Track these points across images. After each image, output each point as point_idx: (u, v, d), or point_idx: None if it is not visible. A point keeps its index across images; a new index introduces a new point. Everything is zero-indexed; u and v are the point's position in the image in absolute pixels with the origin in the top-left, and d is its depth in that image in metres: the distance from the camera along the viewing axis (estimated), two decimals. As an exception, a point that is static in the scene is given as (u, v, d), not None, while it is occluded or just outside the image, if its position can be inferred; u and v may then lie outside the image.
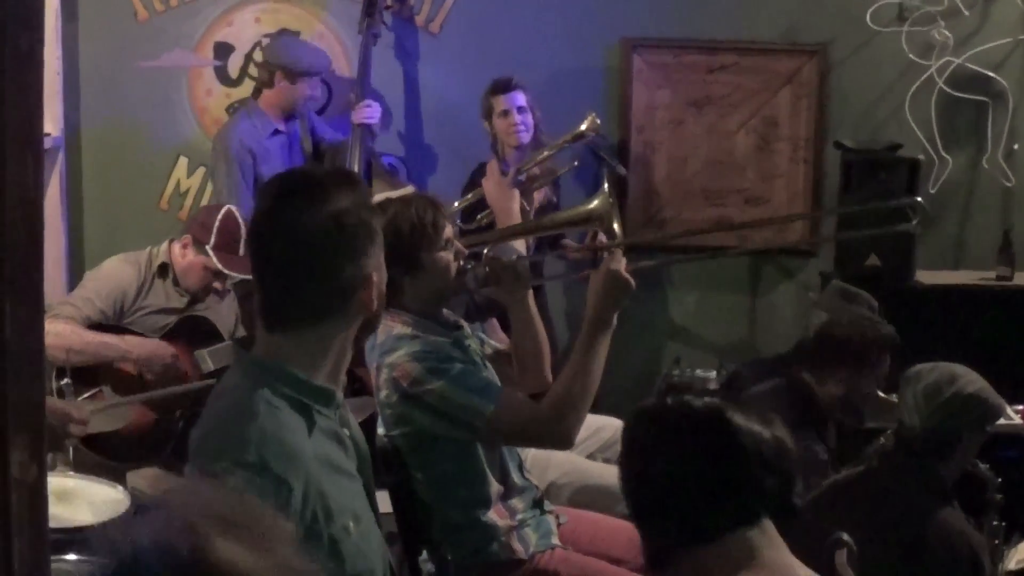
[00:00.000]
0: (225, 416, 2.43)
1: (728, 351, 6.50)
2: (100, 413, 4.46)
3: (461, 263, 3.76)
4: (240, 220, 5.01)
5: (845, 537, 2.37)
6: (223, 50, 6.59)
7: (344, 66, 6.52)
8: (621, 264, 3.55)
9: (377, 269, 2.45)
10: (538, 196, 5.86)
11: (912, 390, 3.59)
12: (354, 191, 2.43)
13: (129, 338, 4.88)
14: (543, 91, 6.09)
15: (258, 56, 6.39)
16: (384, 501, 3.22)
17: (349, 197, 2.40)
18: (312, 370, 2.42)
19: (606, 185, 4.32)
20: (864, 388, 4.33)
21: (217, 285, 5.04)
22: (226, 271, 4.93)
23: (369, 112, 6.07)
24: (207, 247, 4.93)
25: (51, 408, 3.61)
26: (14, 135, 1.80)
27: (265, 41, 6.38)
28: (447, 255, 3.70)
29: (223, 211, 5.02)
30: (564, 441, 3.63)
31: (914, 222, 4.10)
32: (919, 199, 4.52)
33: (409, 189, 5.81)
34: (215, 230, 4.94)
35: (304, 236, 2.36)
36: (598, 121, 5.49)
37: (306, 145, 6.25)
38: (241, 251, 4.94)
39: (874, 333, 4.33)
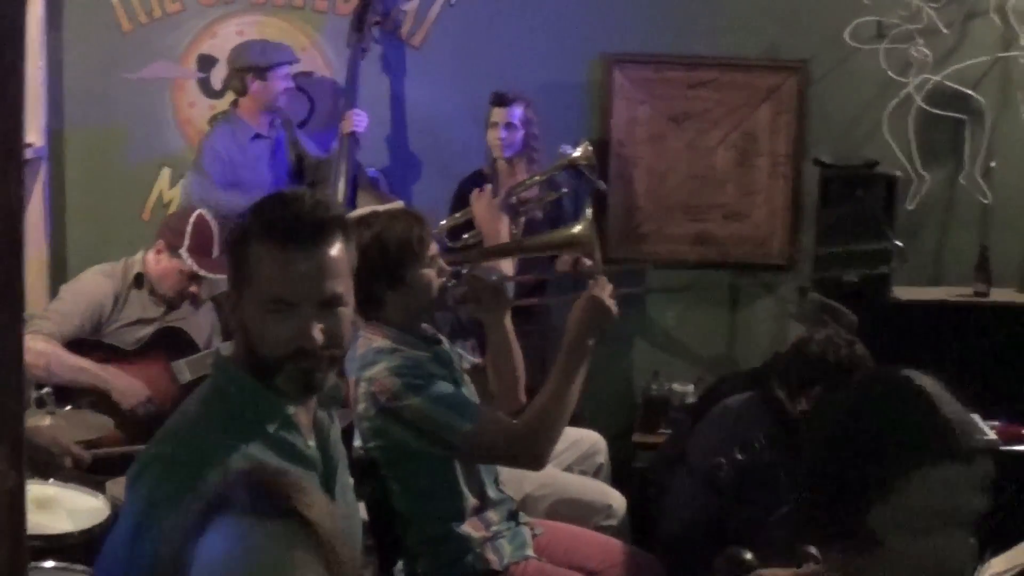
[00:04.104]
0: (173, 417, 2.52)
1: (706, 365, 6.51)
2: (78, 421, 4.47)
3: (444, 280, 3.79)
4: (212, 222, 5.04)
5: (813, 551, 2.39)
6: (207, 62, 6.61)
7: (328, 76, 6.54)
8: (606, 291, 3.58)
9: None
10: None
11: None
12: None
13: (108, 368, 4.89)
14: (530, 109, 6.10)
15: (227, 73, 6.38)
16: (360, 512, 3.24)
17: None
18: None
19: (589, 211, 4.33)
20: None
21: (193, 289, 5.07)
22: (202, 272, 4.96)
23: (357, 120, 6.10)
24: (181, 251, 4.96)
25: (54, 440, 3.63)
26: (-5, 146, 1.82)
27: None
28: (430, 272, 3.72)
29: (194, 215, 5.06)
30: (536, 462, 3.65)
31: (892, 264, 4.12)
32: (900, 244, 4.52)
33: (400, 204, 5.83)
34: (188, 233, 4.97)
35: None
36: (591, 149, 5.48)
37: (293, 153, 6.25)
38: (215, 252, 4.97)
39: (848, 352, 4.33)
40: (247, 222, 2.45)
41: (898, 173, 6.22)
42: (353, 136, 6.09)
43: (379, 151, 6.55)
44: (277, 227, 2.40)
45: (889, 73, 6.34)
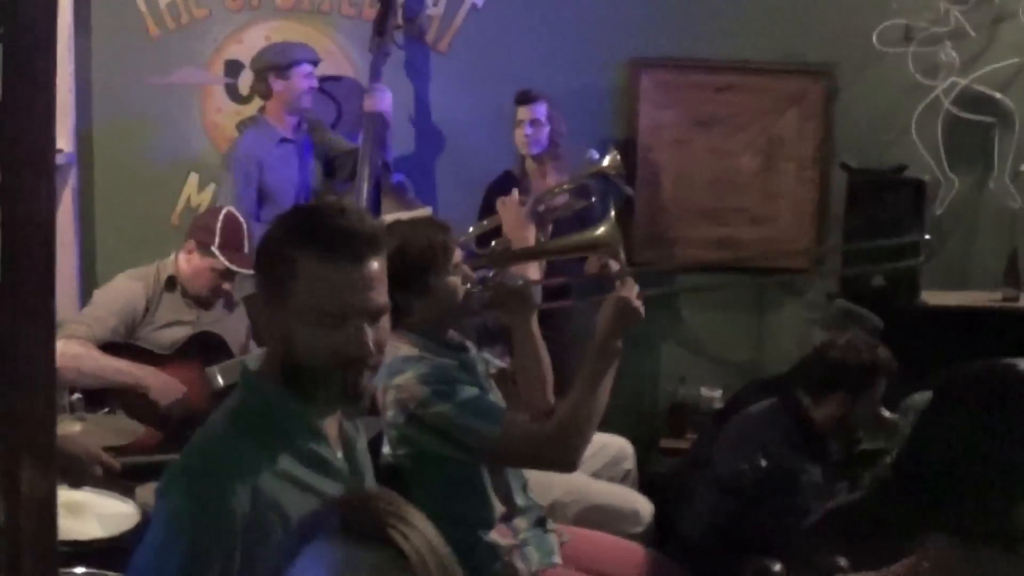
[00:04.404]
0: (201, 430, 2.54)
1: (733, 370, 6.51)
2: (108, 427, 4.49)
3: (468, 286, 3.80)
4: (241, 219, 5.06)
5: (841, 563, 2.39)
6: (234, 67, 6.63)
7: (355, 81, 6.55)
8: (633, 292, 3.58)
9: None
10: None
11: (912, 420, 3.59)
12: None
13: (144, 367, 4.92)
14: (554, 107, 6.11)
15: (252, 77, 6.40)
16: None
17: None
18: None
19: (612, 212, 4.33)
20: (859, 411, 4.33)
21: (226, 286, 5.08)
22: (234, 268, 4.97)
23: (380, 96, 6.12)
24: (212, 248, 4.98)
25: (85, 449, 3.64)
26: (26, 159, 1.83)
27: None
28: (455, 279, 3.72)
29: (223, 212, 5.08)
30: (568, 465, 3.64)
31: (922, 258, 4.10)
32: (928, 236, 4.50)
33: (427, 211, 5.84)
34: (218, 230, 4.99)
35: None
36: (619, 157, 5.48)
37: (322, 154, 6.28)
38: (246, 248, 4.99)
39: (870, 357, 4.32)
40: (289, 236, 2.46)
41: (926, 177, 6.21)
42: (379, 116, 6.12)
43: (403, 156, 6.56)
44: (329, 242, 2.41)
45: (917, 77, 6.33)
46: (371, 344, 2.45)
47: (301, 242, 2.43)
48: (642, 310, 3.57)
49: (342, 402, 2.52)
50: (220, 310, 5.19)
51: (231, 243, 4.98)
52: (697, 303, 6.57)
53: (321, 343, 2.42)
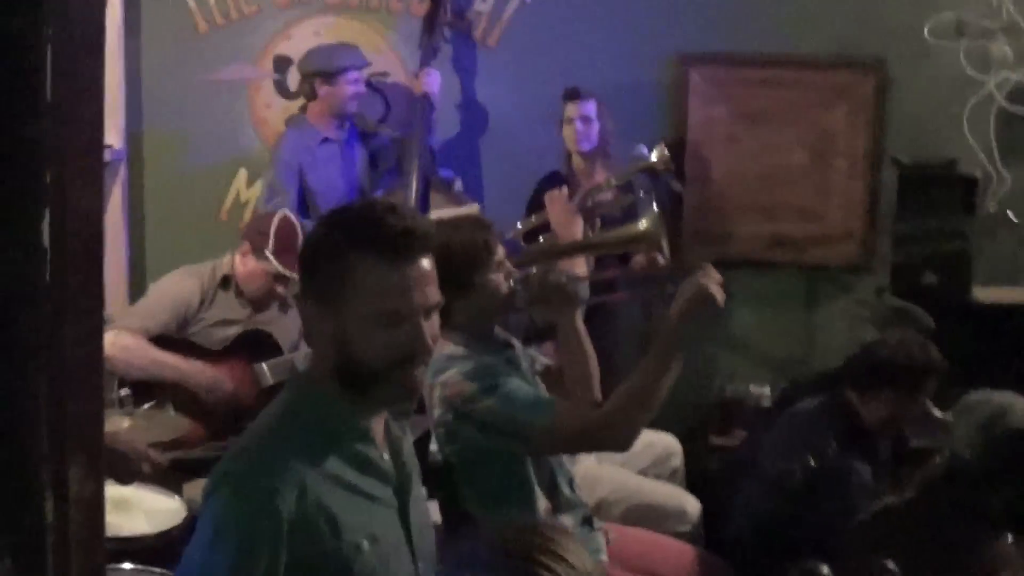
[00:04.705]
0: (248, 432, 2.55)
1: (782, 367, 6.47)
2: (155, 422, 4.52)
3: (512, 284, 3.79)
4: (296, 223, 5.08)
5: (891, 565, 2.36)
6: (283, 63, 6.65)
7: (404, 79, 6.55)
8: (713, 278, 3.48)
9: None
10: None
11: (965, 421, 3.57)
12: None
13: (193, 362, 4.94)
14: (602, 105, 6.11)
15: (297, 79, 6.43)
16: (434, 512, 3.26)
17: None
18: None
19: (655, 205, 4.31)
20: (909, 409, 4.30)
21: (280, 290, 5.10)
22: (287, 273, 4.99)
23: (429, 80, 6.13)
24: (266, 252, 5.00)
25: (132, 446, 3.67)
26: (75, 158, 1.84)
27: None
28: (498, 277, 3.72)
29: (278, 216, 5.09)
30: (622, 443, 3.59)
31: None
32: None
33: (474, 207, 5.84)
34: (272, 234, 5.01)
35: None
36: (667, 153, 5.46)
37: (367, 147, 6.31)
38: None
39: (921, 355, 4.27)
40: (342, 237, 2.45)
41: (977, 173, 6.16)
42: (426, 97, 6.12)
43: (451, 151, 6.56)
44: (385, 242, 2.41)
45: (969, 71, 6.27)
46: (429, 339, 2.46)
47: (355, 243, 2.42)
48: (721, 297, 3.46)
49: (400, 399, 2.54)
50: (274, 311, 5.21)
51: (285, 247, 4.99)
52: (746, 299, 6.53)
53: (380, 343, 2.43)
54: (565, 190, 5.26)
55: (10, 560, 1.39)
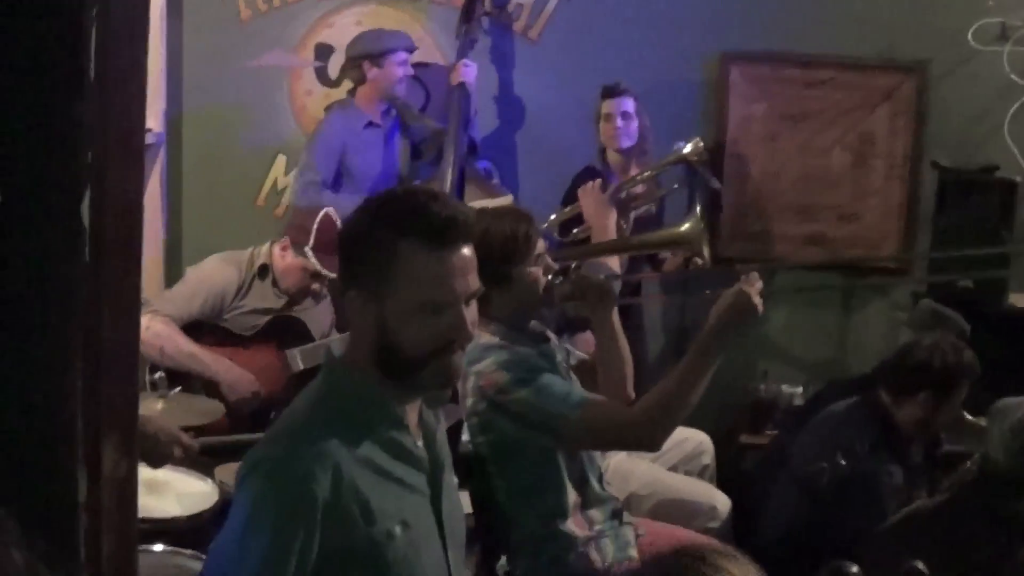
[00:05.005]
0: (282, 417, 2.56)
1: (816, 368, 6.46)
2: (188, 406, 4.54)
3: (550, 278, 3.79)
4: (337, 222, 5.08)
5: (920, 566, 2.36)
6: (324, 51, 6.66)
7: (443, 69, 6.56)
8: (755, 288, 3.47)
9: None
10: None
11: (999, 425, 3.54)
12: None
13: (220, 359, 4.96)
14: (639, 102, 6.11)
15: (345, 63, 6.44)
16: (464, 502, 3.26)
17: None
18: None
19: (698, 208, 4.30)
20: (942, 413, 4.27)
21: (315, 287, 5.11)
22: (324, 272, 4.99)
23: (466, 71, 6.14)
24: (306, 249, 5.01)
25: (165, 429, 3.69)
26: (117, 144, 1.85)
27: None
28: (536, 270, 3.71)
29: (321, 214, 5.09)
30: (652, 443, 3.60)
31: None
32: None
33: (508, 198, 5.84)
34: (313, 232, 5.01)
35: None
36: (701, 144, 5.46)
37: (408, 136, 6.33)
38: None
39: (955, 359, 4.25)
40: (387, 223, 2.45)
41: (1018, 179, 6.11)
42: (463, 87, 6.13)
43: (487, 142, 6.55)
44: (433, 230, 2.42)
45: (1012, 76, 6.24)
46: (470, 327, 2.49)
47: (403, 231, 2.43)
48: (761, 307, 3.46)
49: (439, 385, 2.56)
50: (307, 300, 5.22)
51: (325, 246, 5.00)
52: (782, 299, 6.51)
53: (423, 330, 2.44)
54: (599, 182, 5.25)
55: (43, 539, 1.40)
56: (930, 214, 6.20)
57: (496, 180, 6.29)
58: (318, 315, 5.25)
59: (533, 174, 6.56)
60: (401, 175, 6.25)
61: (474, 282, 2.49)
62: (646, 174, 5.64)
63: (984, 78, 6.33)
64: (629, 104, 5.94)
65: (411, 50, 6.22)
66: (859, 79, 6.44)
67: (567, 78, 6.48)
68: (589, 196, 5.15)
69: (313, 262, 4.99)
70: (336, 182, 6.00)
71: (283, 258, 5.11)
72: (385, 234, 2.43)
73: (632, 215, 5.55)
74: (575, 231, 5.29)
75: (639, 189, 5.67)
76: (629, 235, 5.43)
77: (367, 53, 6.11)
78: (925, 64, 6.40)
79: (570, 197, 5.70)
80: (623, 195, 5.38)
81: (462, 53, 6.26)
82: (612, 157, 6.00)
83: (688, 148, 5.48)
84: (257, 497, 2.37)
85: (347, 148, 6.06)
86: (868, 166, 6.48)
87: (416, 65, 6.41)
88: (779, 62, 6.48)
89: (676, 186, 5.76)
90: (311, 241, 5.00)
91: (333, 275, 5.01)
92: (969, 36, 6.23)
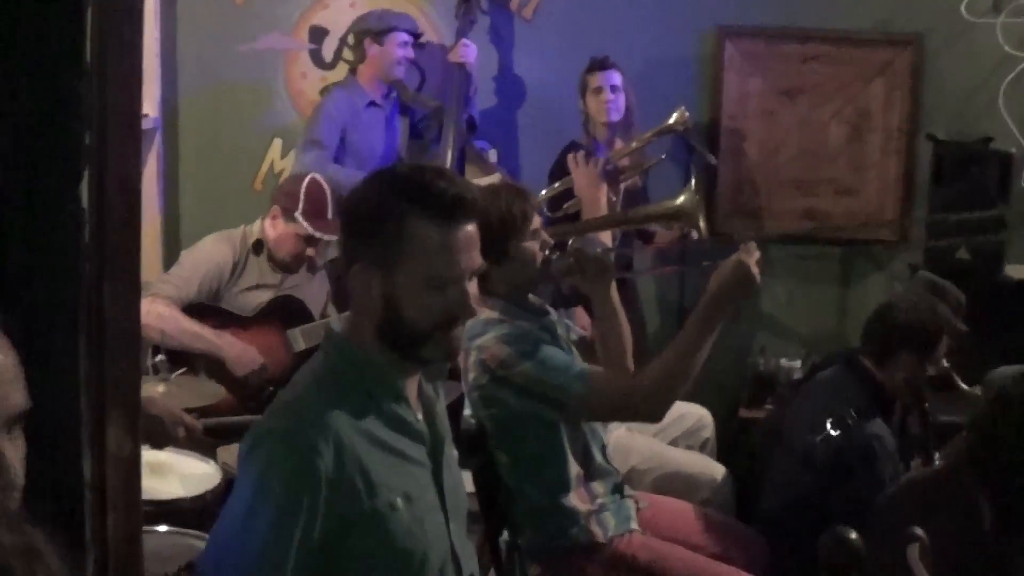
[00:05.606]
0: (285, 392, 2.57)
1: (815, 341, 6.47)
2: (190, 388, 4.55)
3: (547, 252, 3.80)
4: (325, 185, 5.10)
5: (919, 531, 2.37)
6: (318, 34, 6.66)
7: (440, 50, 6.56)
8: (753, 257, 3.48)
9: None
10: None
11: (991, 395, 3.54)
12: None
13: (223, 335, 4.97)
14: (635, 78, 6.11)
15: (350, 40, 6.44)
16: (467, 481, 3.27)
17: None
18: None
19: (693, 181, 4.31)
20: (925, 371, 4.26)
21: (310, 251, 5.13)
22: (317, 234, 5.02)
23: (466, 51, 6.16)
24: (296, 214, 5.03)
25: (168, 411, 3.70)
26: (115, 122, 1.86)
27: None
28: (533, 245, 3.73)
29: (307, 179, 5.11)
30: (654, 413, 3.63)
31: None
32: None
33: (498, 176, 5.85)
34: (302, 197, 5.04)
35: None
36: (687, 114, 5.47)
37: (419, 98, 6.34)
38: (329, 214, 5.03)
39: (931, 316, 4.25)
40: (396, 198, 2.47)
41: (1013, 150, 6.11)
42: (463, 68, 6.15)
43: (488, 122, 6.55)
44: (442, 206, 2.45)
45: (1006, 48, 6.24)
46: (474, 303, 2.53)
47: (410, 204, 2.45)
48: (758, 277, 3.47)
49: (441, 358, 2.60)
50: (303, 274, 5.24)
51: (315, 209, 5.03)
52: (780, 274, 6.52)
53: (428, 304, 2.47)
54: (583, 154, 5.24)
55: (48, 518, 1.41)
56: (927, 187, 6.21)
57: (494, 160, 6.31)
58: (314, 292, 5.26)
59: (534, 153, 6.55)
60: (401, 156, 6.26)
61: (477, 259, 2.52)
62: (633, 145, 5.65)
63: (978, 50, 6.33)
64: (617, 78, 5.95)
65: (415, 34, 6.23)
66: (854, 53, 6.44)
67: (564, 56, 6.47)
68: (579, 170, 5.15)
69: (305, 225, 5.01)
70: (338, 159, 6.01)
71: (274, 227, 5.12)
72: (394, 209, 2.45)
73: (622, 187, 5.56)
74: (565, 205, 5.30)
75: (625, 161, 5.68)
76: (621, 209, 5.45)
77: (369, 29, 6.13)
78: (920, 37, 6.40)
79: (557, 172, 5.70)
80: (612, 167, 5.38)
81: (461, 33, 6.26)
82: (599, 131, 5.99)
83: (672, 119, 5.49)
84: (261, 471, 2.38)
85: (349, 126, 6.07)
86: (864, 140, 6.49)
87: (412, 47, 6.42)
88: (775, 37, 6.47)
89: (664, 156, 5.77)
90: (300, 206, 5.02)
91: (326, 237, 5.03)
92: (963, 8, 6.23)
